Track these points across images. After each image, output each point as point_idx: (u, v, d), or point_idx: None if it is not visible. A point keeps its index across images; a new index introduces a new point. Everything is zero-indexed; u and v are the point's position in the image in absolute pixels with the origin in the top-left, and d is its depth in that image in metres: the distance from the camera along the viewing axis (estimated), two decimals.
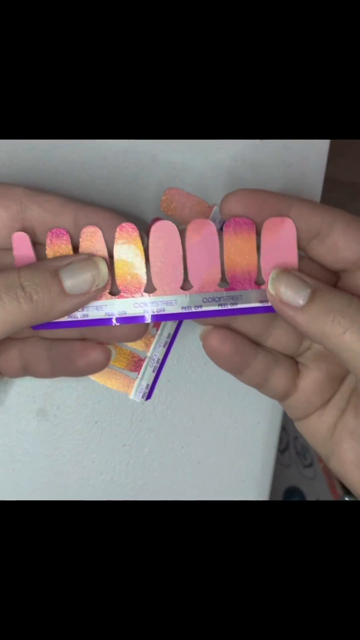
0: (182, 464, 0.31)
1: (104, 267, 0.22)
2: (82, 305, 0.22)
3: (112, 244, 0.22)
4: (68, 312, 0.22)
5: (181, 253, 0.23)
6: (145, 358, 0.29)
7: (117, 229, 0.22)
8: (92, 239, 0.23)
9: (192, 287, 0.23)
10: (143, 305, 0.23)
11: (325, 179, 0.32)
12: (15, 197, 0.22)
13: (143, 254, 0.23)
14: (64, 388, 0.29)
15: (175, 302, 0.23)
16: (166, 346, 0.29)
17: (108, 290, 0.23)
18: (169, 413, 0.30)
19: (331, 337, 0.21)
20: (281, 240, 0.23)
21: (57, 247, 0.23)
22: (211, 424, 0.31)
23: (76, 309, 0.22)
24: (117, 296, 0.23)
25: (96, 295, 0.22)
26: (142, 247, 0.23)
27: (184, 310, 0.23)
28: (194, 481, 0.31)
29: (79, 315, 0.23)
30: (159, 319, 0.23)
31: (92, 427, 0.30)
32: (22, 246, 0.22)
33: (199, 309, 0.23)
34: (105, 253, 0.23)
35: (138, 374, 0.29)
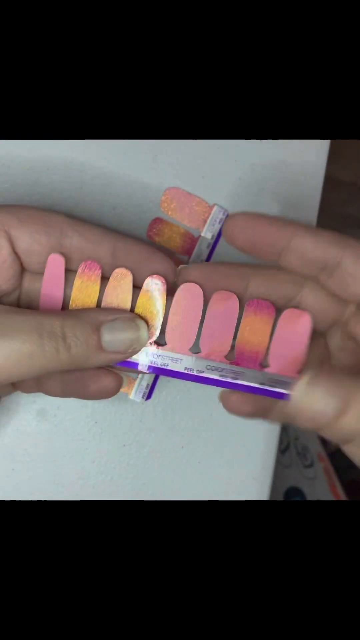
0: (182, 464, 0.31)
1: (144, 333, 0.22)
2: (115, 362, 0.22)
3: (143, 278, 0.23)
4: (100, 366, 0.22)
5: (200, 317, 0.23)
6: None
7: (149, 278, 0.23)
8: (120, 281, 0.23)
9: (200, 351, 0.23)
10: (149, 355, 0.23)
11: (325, 179, 0.32)
12: (56, 224, 0.22)
13: (164, 307, 0.23)
14: None
15: (180, 361, 0.23)
16: None
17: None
18: (169, 413, 0.30)
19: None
20: (295, 332, 0.23)
21: (87, 278, 0.23)
22: (211, 424, 0.31)
23: (108, 364, 0.22)
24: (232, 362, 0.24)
25: (131, 356, 0.23)
26: (165, 301, 0.23)
27: (185, 371, 0.23)
28: (194, 481, 0.31)
29: None
30: (157, 371, 0.24)
31: (92, 427, 0.30)
32: (55, 268, 0.22)
33: (201, 374, 0.23)
34: (129, 298, 0.23)
35: (138, 374, 0.29)
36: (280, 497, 0.65)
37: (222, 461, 0.31)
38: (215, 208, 0.29)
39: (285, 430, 0.68)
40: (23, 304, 0.24)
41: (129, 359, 0.23)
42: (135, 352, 0.23)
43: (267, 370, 0.23)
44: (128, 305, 0.23)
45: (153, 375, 0.29)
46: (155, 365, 0.23)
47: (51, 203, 0.28)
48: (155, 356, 0.23)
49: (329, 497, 0.68)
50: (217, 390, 0.31)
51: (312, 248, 0.21)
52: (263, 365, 0.23)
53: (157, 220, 0.29)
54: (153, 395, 0.30)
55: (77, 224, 0.22)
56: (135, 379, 0.29)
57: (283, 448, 0.70)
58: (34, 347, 0.20)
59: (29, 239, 0.22)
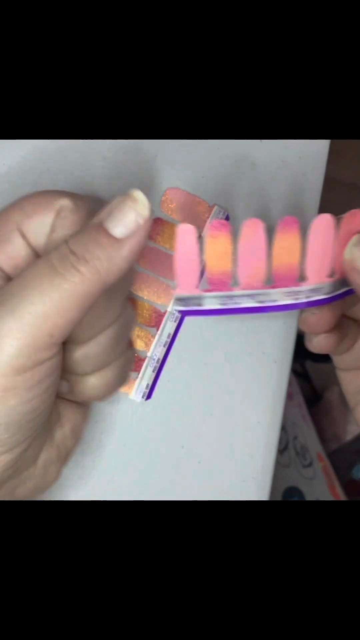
0: (182, 464, 0.31)
1: (141, 196, 0.20)
2: (140, 243, 0.20)
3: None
4: (129, 258, 0.20)
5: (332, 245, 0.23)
6: (145, 358, 0.29)
7: (282, 224, 0.22)
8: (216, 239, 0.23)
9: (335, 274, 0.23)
10: (297, 294, 0.23)
11: (325, 179, 0.32)
12: (55, 199, 0.21)
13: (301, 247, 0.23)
14: None
15: (321, 289, 0.23)
16: (166, 346, 0.29)
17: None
18: (169, 413, 0.30)
19: None
20: (322, 238, 0.23)
21: (220, 242, 0.22)
22: (211, 424, 0.31)
23: (136, 250, 0.20)
24: (271, 285, 0.23)
25: (149, 226, 0.20)
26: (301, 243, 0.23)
27: (326, 296, 0.23)
28: (194, 481, 0.31)
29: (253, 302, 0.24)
30: (232, 312, 0.23)
31: (92, 427, 0.30)
32: (186, 240, 0.22)
33: (337, 292, 0.23)
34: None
35: (138, 374, 0.29)
36: (279, 497, 0.65)
37: (222, 461, 0.31)
38: (215, 208, 0.30)
39: (284, 429, 0.68)
40: None
41: (201, 309, 0.23)
42: (148, 220, 0.20)
43: (302, 284, 0.23)
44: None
45: (153, 375, 0.29)
46: (309, 299, 0.23)
47: None
48: (304, 292, 0.23)
49: (328, 496, 0.68)
50: (217, 390, 0.31)
51: None
52: (299, 281, 0.23)
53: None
54: (153, 395, 0.30)
55: (77, 198, 0.21)
56: (135, 379, 0.29)
57: (282, 448, 0.70)
58: (54, 277, 0.19)
59: (38, 228, 0.21)
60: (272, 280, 0.23)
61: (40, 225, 0.21)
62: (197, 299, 0.24)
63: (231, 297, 0.23)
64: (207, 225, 0.23)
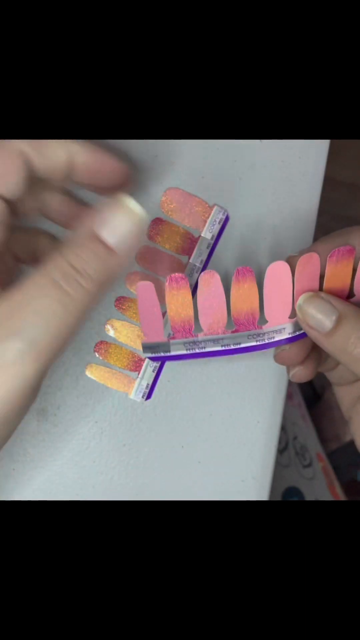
0: (182, 464, 0.31)
1: (132, 204, 0.21)
2: (134, 248, 0.21)
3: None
4: (124, 263, 0.20)
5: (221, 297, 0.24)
6: (145, 358, 0.29)
7: (237, 275, 0.24)
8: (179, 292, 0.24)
9: (201, 331, 0.25)
10: (259, 336, 0.25)
11: (325, 179, 0.32)
12: (16, 149, 0.21)
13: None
14: (64, 388, 0.29)
15: (284, 330, 0.24)
16: None
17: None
18: (169, 413, 0.30)
19: (348, 357, 0.22)
20: (277, 284, 0.24)
21: (179, 294, 0.24)
22: (211, 424, 0.31)
23: (129, 254, 0.21)
24: (233, 330, 0.25)
25: (142, 230, 0.21)
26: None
27: (290, 335, 0.25)
28: (194, 481, 0.31)
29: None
30: (196, 356, 0.25)
31: (92, 427, 0.30)
32: (147, 296, 0.24)
33: (301, 331, 0.24)
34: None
35: (138, 374, 0.29)
36: (278, 497, 0.65)
37: (222, 461, 0.31)
38: (215, 208, 0.30)
39: (284, 429, 0.68)
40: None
41: (168, 355, 0.24)
42: (141, 232, 0.21)
43: (264, 326, 0.24)
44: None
45: (153, 375, 0.29)
46: (293, 335, 0.24)
47: None
48: (191, 345, 0.24)
49: (328, 496, 0.68)
50: (217, 390, 0.31)
51: None
52: (259, 324, 0.25)
53: (157, 220, 0.29)
54: (153, 395, 0.30)
55: (35, 141, 0.21)
56: (135, 379, 0.29)
57: (281, 448, 0.70)
58: (62, 296, 0.19)
59: (2, 177, 0.21)
60: (233, 325, 0.24)
61: (4, 172, 0.21)
62: (164, 346, 0.25)
63: (195, 342, 0.25)
64: (167, 282, 0.24)
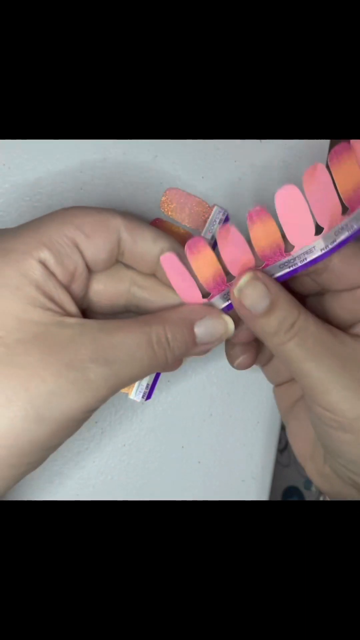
0: (182, 464, 0.31)
1: (231, 324, 0.25)
2: (203, 353, 0.25)
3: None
4: (198, 356, 0.25)
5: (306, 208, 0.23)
6: None
7: (251, 216, 0.23)
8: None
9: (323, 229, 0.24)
10: (291, 263, 0.24)
11: None
12: (114, 229, 0.23)
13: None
14: None
15: (313, 249, 0.24)
16: None
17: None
18: (169, 413, 0.30)
19: (274, 344, 0.23)
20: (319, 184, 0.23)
21: (198, 254, 0.24)
22: (211, 424, 0.31)
23: (202, 352, 0.25)
24: (262, 266, 0.24)
25: (216, 346, 0.25)
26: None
27: (323, 252, 0.24)
28: (194, 481, 0.31)
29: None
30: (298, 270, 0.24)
31: (92, 427, 0.30)
32: (173, 266, 0.24)
33: (335, 243, 0.23)
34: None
35: None
36: (278, 497, 0.65)
37: (222, 461, 0.31)
38: (215, 208, 0.30)
39: (284, 429, 0.68)
40: (90, 308, 0.25)
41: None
42: (222, 341, 0.25)
43: (292, 252, 0.24)
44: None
45: (153, 375, 0.29)
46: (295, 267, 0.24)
47: (51, 204, 0.28)
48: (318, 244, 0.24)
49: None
50: (217, 390, 0.31)
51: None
52: (287, 251, 0.24)
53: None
54: (153, 395, 0.30)
55: (132, 226, 0.24)
56: None
57: (282, 447, 0.70)
58: (151, 355, 0.22)
59: (95, 250, 0.23)
60: (261, 262, 0.24)
61: (97, 247, 0.23)
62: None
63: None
64: (186, 249, 0.24)
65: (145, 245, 0.24)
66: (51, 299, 0.22)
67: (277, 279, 0.24)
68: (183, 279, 0.25)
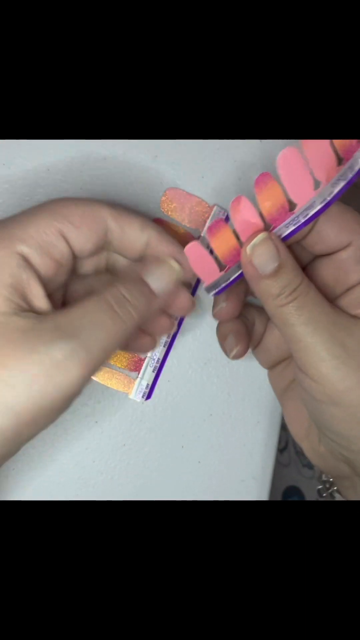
0: (182, 464, 0.31)
1: (175, 263, 0.25)
2: (165, 303, 0.25)
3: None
4: (160, 307, 0.25)
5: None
6: (145, 358, 0.29)
7: (257, 182, 0.24)
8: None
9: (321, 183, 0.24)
10: (295, 220, 0.24)
11: None
12: (102, 220, 0.24)
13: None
14: None
15: (313, 204, 0.24)
16: (166, 346, 0.30)
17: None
18: (169, 413, 0.30)
19: (273, 305, 0.24)
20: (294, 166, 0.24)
21: (218, 233, 0.25)
22: (211, 424, 0.31)
23: (165, 303, 0.25)
24: (271, 229, 0.25)
25: (178, 284, 0.26)
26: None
27: (323, 204, 0.24)
28: (194, 481, 0.31)
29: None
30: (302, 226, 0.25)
31: (92, 427, 0.30)
32: (197, 253, 0.25)
33: (333, 194, 0.24)
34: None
35: (138, 374, 0.29)
36: (278, 497, 0.65)
37: (222, 461, 0.31)
38: (215, 208, 0.30)
39: (284, 429, 0.68)
40: (70, 297, 0.26)
41: (229, 282, 0.25)
42: (176, 283, 0.25)
43: (295, 210, 0.25)
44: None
45: (153, 375, 0.29)
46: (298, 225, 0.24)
47: None
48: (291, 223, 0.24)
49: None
50: (217, 390, 0.31)
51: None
52: (291, 210, 0.25)
53: (157, 221, 0.29)
54: (153, 395, 0.30)
55: (119, 215, 0.24)
56: (135, 379, 0.29)
57: (282, 447, 0.70)
58: (113, 315, 0.22)
59: (83, 240, 0.23)
60: (270, 225, 0.25)
61: (85, 237, 0.23)
62: (223, 278, 0.26)
63: None
64: (207, 232, 0.25)
65: (133, 233, 0.24)
66: (21, 292, 0.21)
67: (284, 238, 0.25)
68: (205, 261, 0.26)
